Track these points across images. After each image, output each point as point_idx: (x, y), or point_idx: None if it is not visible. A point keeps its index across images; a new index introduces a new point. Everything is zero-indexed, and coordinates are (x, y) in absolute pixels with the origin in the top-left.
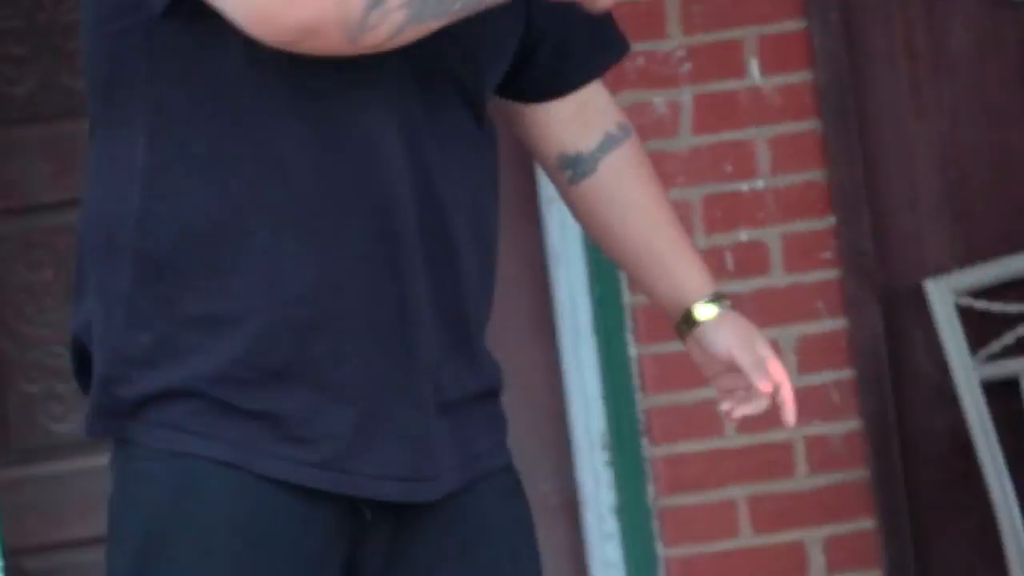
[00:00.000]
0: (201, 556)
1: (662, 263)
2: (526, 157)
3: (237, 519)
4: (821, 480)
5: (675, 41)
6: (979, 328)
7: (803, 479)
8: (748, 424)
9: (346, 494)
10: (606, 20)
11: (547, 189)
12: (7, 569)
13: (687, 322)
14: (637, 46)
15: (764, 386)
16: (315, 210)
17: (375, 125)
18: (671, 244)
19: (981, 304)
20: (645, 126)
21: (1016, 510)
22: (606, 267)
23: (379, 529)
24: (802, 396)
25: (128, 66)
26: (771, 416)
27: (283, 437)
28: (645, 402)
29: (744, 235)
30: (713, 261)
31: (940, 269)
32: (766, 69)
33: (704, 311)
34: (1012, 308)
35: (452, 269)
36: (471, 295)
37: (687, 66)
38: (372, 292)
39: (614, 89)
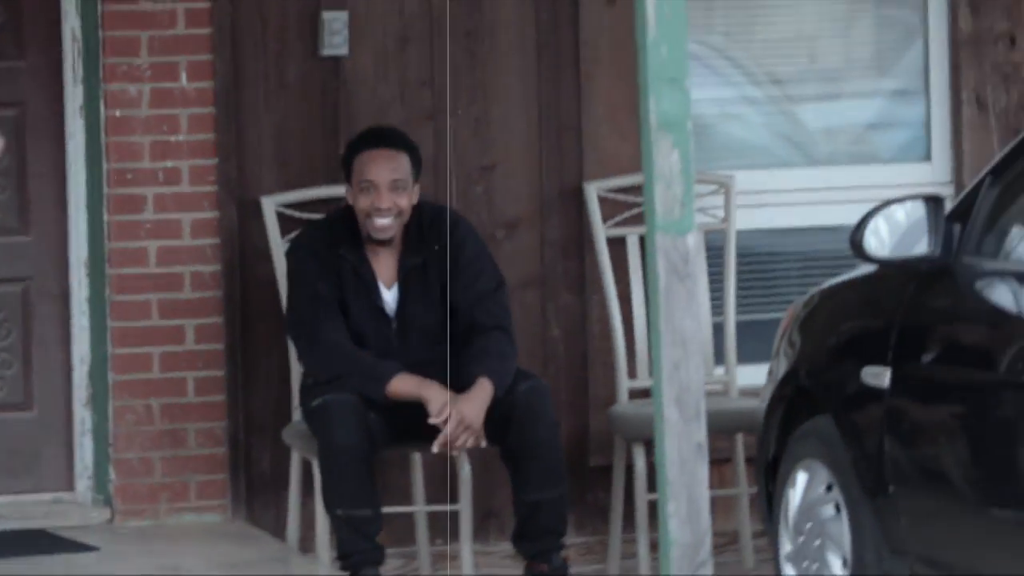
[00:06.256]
0: None
1: None
2: None
3: None
4: (197, 292)
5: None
6: (285, 225)
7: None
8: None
9: None
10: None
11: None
12: None
13: None
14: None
15: None
16: None
17: None
18: None
19: (291, 212)
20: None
21: None
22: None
23: None
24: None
25: None
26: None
27: None
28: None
29: (174, 163)
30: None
31: (270, 191)
32: (189, 79)
33: None
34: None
35: None
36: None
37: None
38: None
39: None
